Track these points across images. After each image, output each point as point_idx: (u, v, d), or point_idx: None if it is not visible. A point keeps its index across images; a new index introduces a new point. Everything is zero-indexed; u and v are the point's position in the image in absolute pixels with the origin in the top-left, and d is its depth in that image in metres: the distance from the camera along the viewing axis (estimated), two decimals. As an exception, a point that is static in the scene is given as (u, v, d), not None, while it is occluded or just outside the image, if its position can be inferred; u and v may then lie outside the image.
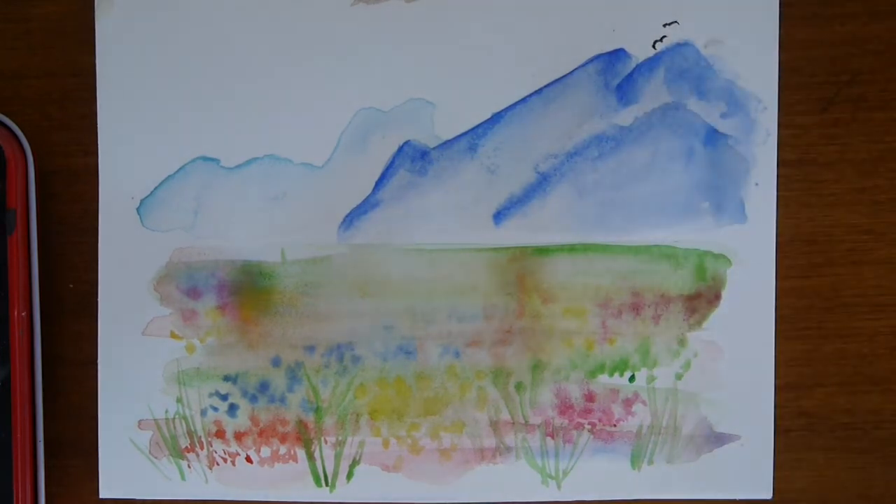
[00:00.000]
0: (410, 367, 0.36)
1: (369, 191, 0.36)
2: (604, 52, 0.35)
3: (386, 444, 0.36)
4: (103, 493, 0.37)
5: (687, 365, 0.36)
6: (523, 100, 0.36)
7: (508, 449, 0.36)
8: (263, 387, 0.36)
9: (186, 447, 0.37)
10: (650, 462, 0.36)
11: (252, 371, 0.36)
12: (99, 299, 0.36)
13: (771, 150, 0.35)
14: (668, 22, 0.35)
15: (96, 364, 0.36)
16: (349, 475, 0.37)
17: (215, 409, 0.37)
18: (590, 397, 0.36)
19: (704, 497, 0.36)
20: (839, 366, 0.36)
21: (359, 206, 0.36)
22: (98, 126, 0.36)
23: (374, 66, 0.36)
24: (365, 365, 0.36)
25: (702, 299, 0.36)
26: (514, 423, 0.36)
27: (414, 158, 0.36)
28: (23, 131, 0.35)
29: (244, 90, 0.36)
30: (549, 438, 0.36)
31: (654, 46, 0.35)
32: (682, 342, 0.36)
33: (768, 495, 0.36)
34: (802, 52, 0.35)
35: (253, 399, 0.37)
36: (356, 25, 0.36)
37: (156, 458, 0.37)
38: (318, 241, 0.36)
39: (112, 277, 0.36)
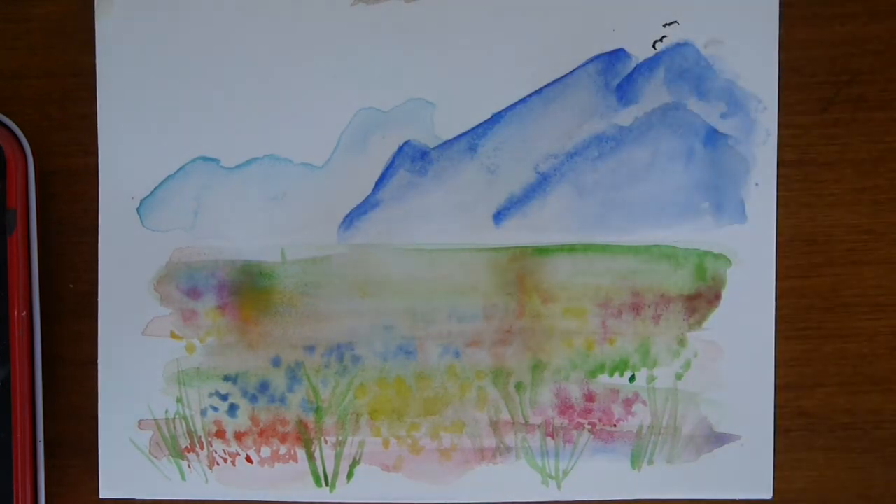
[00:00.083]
0: (410, 367, 0.36)
1: (369, 191, 0.36)
2: (604, 52, 0.35)
3: (386, 444, 0.36)
4: (103, 493, 0.37)
5: (687, 365, 0.36)
6: (523, 100, 0.36)
7: (508, 449, 0.36)
8: (263, 387, 0.36)
9: (186, 447, 0.37)
10: (650, 462, 0.36)
11: (252, 371, 0.36)
12: (99, 299, 0.36)
13: (771, 150, 0.35)
14: (668, 22, 0.35)
15: (96, 364, 0.36)
16: (349, 475, 0.37)
17: (215, 409, 0.37)
18: (590, 397, 0.36)
19: (704, 497, 0.36)
20: (839, 366, 0.36)
21: (359, 206, 0.36)
22: (98, 126, 0.36)
23: (374, 66, 0.36)
24: (365, 365, 0.36)
25: (702, 299, 0.36)
26: (514, 423, 0.36)
27: (414, 158, 0.36)
28: (23, 131, 0.35)
29: (244, 90, 0.36)
30: (549, 438, 0.36)
31: (654, 46, 0.35)
32: (682, 342, 0.36)
33: (768, 495, 0.36)
34: (802, 52, 0.35)
35: (253, 399, 0.37)
36: (356, 25, 0.36)
37: (156, 458, 0.37)
38: (318, 241, 0.36)
39: (112, 277, 0.36)
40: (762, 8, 0.35)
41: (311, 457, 0.37)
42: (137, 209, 0.36)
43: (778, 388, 0.36)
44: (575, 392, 0.36)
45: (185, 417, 0.37)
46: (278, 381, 0.36)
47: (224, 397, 0.37)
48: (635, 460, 0.36)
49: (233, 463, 0.37)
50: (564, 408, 0.36)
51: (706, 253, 0.36)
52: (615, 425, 0.36)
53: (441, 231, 0.36)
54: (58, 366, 0.37)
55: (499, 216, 0.36)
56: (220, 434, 0.37)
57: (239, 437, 0.37)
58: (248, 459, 0.37)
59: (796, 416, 0.36)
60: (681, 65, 0.35)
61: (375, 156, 0.36)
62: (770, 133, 0.35)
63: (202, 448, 0.37)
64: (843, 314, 0.36)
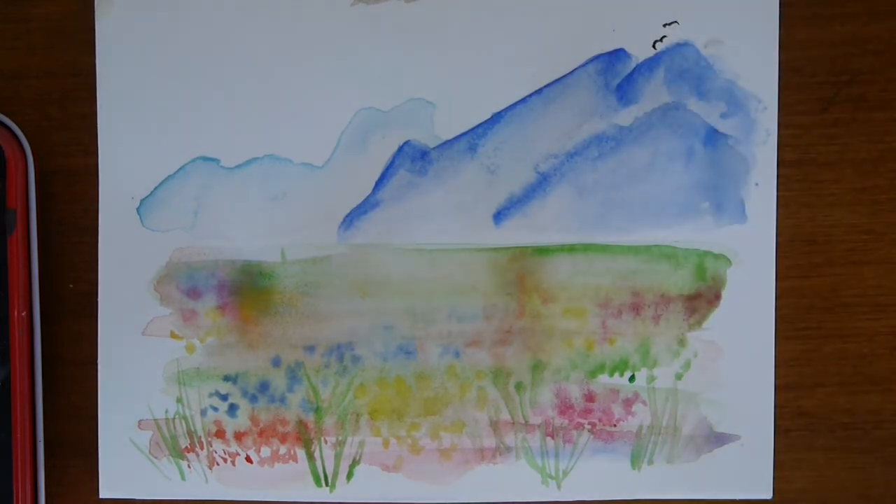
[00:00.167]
0: (410, 367, 0.36)
1: (369, 191, 0.36)
2: (604, 52, 0.35)
3: (386, 444, 0.36)
4: (103, 493, 0.37)
5: (687, 365, 0.36)
6: (523, 100, 0.36)
7: (508, 449, 0.36)
8: (263, 387, 0.36)
9: (186, 447, 0.37)
10: (650, 462, 0.36)
11: (252, 371, 0.36)
12: (99, 299, 0.36)
13: (771, 150, 0.35)
14: (668, 22, 0.35)
15: (96, 364, 0.36)
16: (349, 475, 0.37)
17: (215, 409, 0.37)
18: (590, 397, 0.36)
19: (704, 497, 0.36)
20: (839, 366, 0.36)
21: (359, 206, 0.36)
22: (98, 126, 0.36)
23: (374, 66, 0.36)
24: (365, 365, 0.36)
25: (702, 299, 0.36)
26: (514, 423, 0.36)
27: (414, 158, 0.36)
28: (23, 131, 0.35)
29: (244, 90, 0.36)
30: (549, 438, 0.36)
31: (654, 46, 0.35)
32: (682, 342, 0.36)
33: (768, 495, 0.36)
34: (802, 52, 0.35)
35: (253, 399, 0.37)
36: (356, 25, 0.36)
37: (156, 458, 0.37)
38: (318, 241, 0.36)
39: (112, 277, 0.36)
40: (762, 8, 0.35)
41: (311, 457, 0.37)
42: (137, 209, 0.36)
43: (778, 388, 0.36)
44: (575, 392, 0.36)
45: (185, 417, 0.37)
46: (278, 381, 0.36)
47: (224, 397, 0.37)
48: (635, 460, 0.36)
49: (233, 463, 0.37)
50: (564, 408, 0.36)
51: (706, 253, 0.36)
52: (615, 425, 0.36)
53: (441, 231, 0.36)
54: (58, 366, 0.37)
55: (499, 216, 0.36)
56: (220, 434, 0.37)
57: (239, 437, 0.37)
58: (248, 459, 0.37)
59: (796, 416, 0.36)
60: (681, 65, 0.35)
61: (375, 156, 0.36)
62: (770, 133, 0.35)
63: (202, 448, 0.37)
64: (843, 314, 0.36)
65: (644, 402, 0.36)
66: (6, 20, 0.36)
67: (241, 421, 0.37)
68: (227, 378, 0.37)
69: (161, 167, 0.36)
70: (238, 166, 0.36)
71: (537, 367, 0.36)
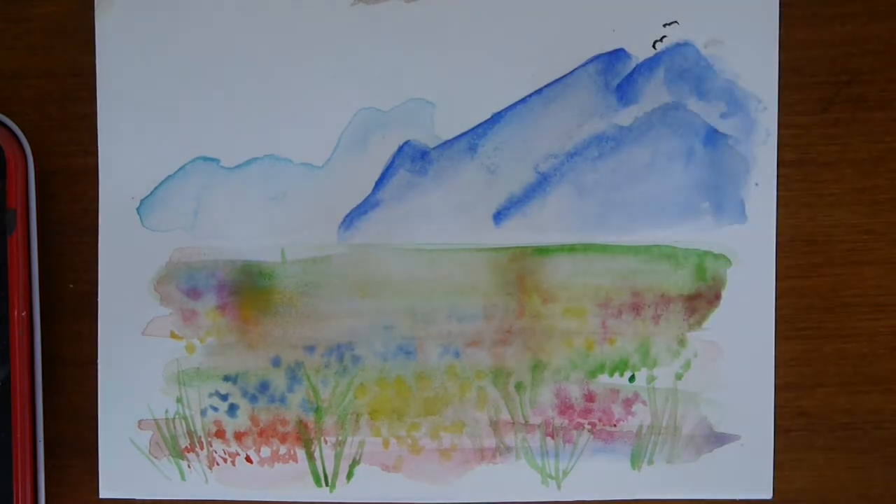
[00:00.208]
0: (410, 367, 0.36)
1: (369, 191, 0.36)
2: (604, 52, 0.35)
3: (386, 444, 0.36)
4: (103, 493, 0.37)
5: (687, 365, 0.36)
6: (523, 100, 0.36)
7: (508, 449, 0.36)
8: (263, 387, 0.36)
9: (186, 447, 0.37)
10: (650, 462, 0.36)
11: (252, 371, 0.36)
12: (99, 299, 0.36)
13: (771, 150, 0.35)
14: (668, 22, 0.35)
15: (96, 364, 0.36)
16: (349, 475, 0.37)
17: (215, 409, 0.37)
18: (590, 397, 0.36)
19: (704, 497, 0.36)
20: (839, 366, 0.36)
21: (359, 206, 0.36)
22: (98, 126, 0.36)
23: (374, 66, 0.36)
24: (365, 365, 0.36)
25: (702, 299, 0.36)
26: (514, 423, 0.36)
27: (414, 158, 0.36)
28: (23, 131, 0.35)
29: (244, 90, 0.36)
30: (549, 438, 0.36)
31: (654, 46, 0.35)
32: (682, 342, 0.36)
33: (768, 495, 0.36)
34: (802, 52, 0.35)
35: (253, 399, 0.37)
36: (356, 25, 0.36)
37: (156, 458, 0.37)
38: (318, 241, 0.36)
39: (112, 277, 0.36)
40: (762, 8, 0.35)
41: (311, 457, 0.37)
42: (137, 209, 0.36)
43: (778, 388, 0.36)
44: (575, 392, 0.36)
45: (185, 417, 0.37)
46: (278, 381, 0.36)
47: (224, 397, 0.37)
48: (635, 460, 0.36)
49: (233, 463, 0.37)
50: (564, 408, 0.36)
51: (706, 253, 0.36)
52: (615, 425, 0.36)
53: (441, 231, 0.36)
54: (58, 366, 0.37)
55: (499, 216, 0.36)
56: (220, 434, 0.37)
57: (239, 437, 0.37)
58: (248, 459, 0.37)
59: (796, 416, 0.36)
60: (681, 65, 0.35)
61: (375, 156, 0.36)
62: (770, 133, 0.35)
63: (202, 448, 0.37)
64: (843, 314, 0.36)
65: (644, 402, 0.36)
66: (6, 20, 0.36)
67: (241, 421, 0.37)
68: (227, 378, 0.37)
69: (161, 167, 0.36)
70: (238, 166, 0.36)
71: (537, 367, 0.36)
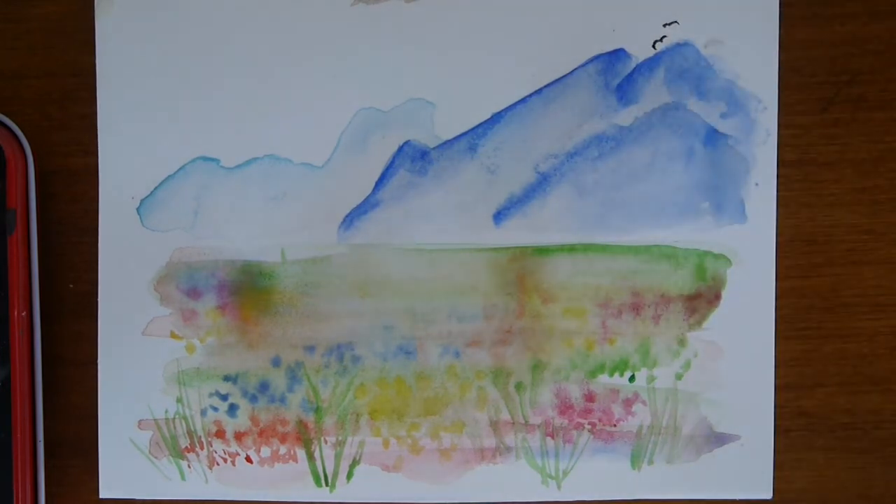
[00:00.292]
0: (410, 367, 0.36)
1: (369, 191, 0.36)
2: (604, 52, 0.35)
3: (386, 444, 0.36)
4: (103, 493, 0.37)
5: (687, 365, 0.36)
6: (523, 100, 0.36)
7: (508, 449, 0.36)
8: (263, 387, 0.36)
9: (186, 447, 0.37)
10: (650, 462, 0.36)
11: (252, 371, 0.36)
12: (99, 299, 0.36)
13: (771, 150, 0.35)
14: (668, 22, 0.35)
15: (96, 364, 0.36)
16: (349, 475, 0.37)
17: (215, 409, 0.37)
18: (590, 397, 0.36)
19: (704, 497, 0.36)
20: (839, 366, 0.36)
21: (359, 206, 0.36)
22: (98, 126, 0.36)
23: (374, 66, 0.36)
24: (365, 365, 0.36)
25: (702, 299, 0.36)
26: (514, 423, 0.36)
27: (414, 158, 0.36)
28: (23, 131, 0.35)
29: (244, 90, 0.36)
30: (549, 438, 0.36)
31: (654, 46, 0.35)
32: (682, 342, 0.36)
33: (768, 495, 0.36)
34: (802, 52, 0.35)
35: (253, 399, 0.37)
36: (356, 25, 0.36)
37: (156, 458, 0.37)
38: (318, 241, 0.36)
39: (112, 277, 0.36)
40: (762, 8, 0.35)
41: (311, 457, 0.37)
42: (137, 209, 0.36)
43: (778, 388, 0.36)
44: (575, 392, 0.36)
45: (185, 417, 0.37)
46: (278, 381, 0.36)
47: (224, 397, 0.37)
48: (635, 460, 0.36)
49: (233, 463, 0.37)
50: (564, 408, 0.36)
51: (706, 253, 0.36)
52: (615, 425, 0.36)
53: (441, 231, 0.36)
54: (58, 366, 0.37)
55: (499, 216, 0.36)
56: (220, 434, 0.37)
57: (239, 437, 0.37)
58: (248, 459, 0.37)
59: (796, 416, 0.36)
60: (681, 65, 0.35)
61: (375, 156, 0.36)
62: (770, 133, 0.35)
63: (202, 448, 0.37)
64: (843, 314, 0.36)
65: (644, 402, 0.36)
66: (6, 20, 0.36)
67: (241, 421, 0.37)
68: (227, 378, 0.37)
69: (161, 167, 0.36)
70: (238, 166, 0.36)
71: (537, 367, 0.36)
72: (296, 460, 0.37)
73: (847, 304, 0.36)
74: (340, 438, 0.37)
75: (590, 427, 0.36)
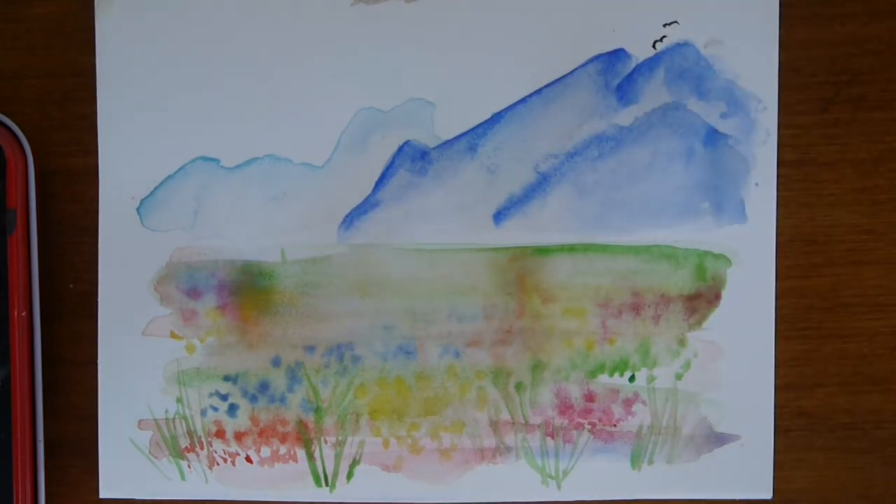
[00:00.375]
0: (410, 367, 0.36)
1: (369, 191, 0.36)
2: (604, 52, 0.35)
3: (386, 444, 0.36)
4: (103, 493, 0.37)
5: (687, 365, 0.36)
6: (523, 100, 0.36)
7: (508, 449, 0.36)
8: (263, 387, 0.36)
9: (186, 447, 0.37)
10: (650, 462, 0.36)
11: (252, 371, 0.36)
12: (99, 299, 0.36)
13: (771, 150, 0.35)
14: (668, 22, 0.35)
15: (96, 364, 0.36)
16: (349, 475, 0.37)
17: (215, 409, 0.37)
18: (590, 397, 0.36)
19: (704, 497, 0.36)
20: (839, 366, 0.36)
21: (359, 206, 0.36)
22: (98, 126, 0.36)
23: (374, 66, 0.36)
24: (365, 365, 0.36)
25: (702, 299, 0.36)
26: (514, 423, 0.36)
27: (414, 158, 0.36)
28: (23, 131, 0.35)
29: (244, 90, 0.36)
30: (549, 438, 0.36)
31: (654, 46, 0.35)
32: (682, 342, 0.36)
33: (768, 495, 0.36)
34: (802, 52, 0.35)
35: (253, 399, 0.37)
36: (356, 25, 0.36)
37: (156, 458, 0.37)
38: (318, 241, 0.36)
39: (112, 277, 0.36)
40: (762, 8, 0.35)
41: (311, 457, 0.37)
42: (137, 209, 0.36)
43: (778, 388, 0.36)
44: (575, 392, 0.36)
45: (185, 417, 0.37)
46: (278, 381, 0.36)
47: (224, 397, 0.37)
48: (635, 460, 0.36)
49: (233, 463, 0.37)
50: (564, 408, 0.36)
51: (706, 253, 0.36)
52: (615, 425, 0.36)
53: (441, 231, 0.36)
54: (58, 366, 0.37)
55: (499, 216, 0.36)
56: (220, 434, 0.37)
57: (239, 437, 0.37)
58: (248, 459, 0.37)
59: (796, 416, 0.36)
60: (681, 65, 0.35)
61: (375, 156, 0.36)
62: (770, 133, 0.35)
63: (202, 448, 0.37)
64: (843, 314, 0.36)
65: (644, 402, 0.36)
66: (6, 20, 0.36)
67: (241, 421, 0.37)
68: (227, 378, 0.37)
69: (161, 167, 0.36)
70: (238, 166, 0.36)
71: (537, 367, 0.36)
72: (296, 460, 0.37)
73: (847, 304, 0.36)
74: (340, 438, 0.37)
75: (590, 427, 0.36)
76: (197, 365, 0.36)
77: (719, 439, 0.36)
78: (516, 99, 0.35)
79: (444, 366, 0.36)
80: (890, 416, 0.36)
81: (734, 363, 0.36)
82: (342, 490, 0.37)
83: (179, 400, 0.37)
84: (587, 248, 0.36)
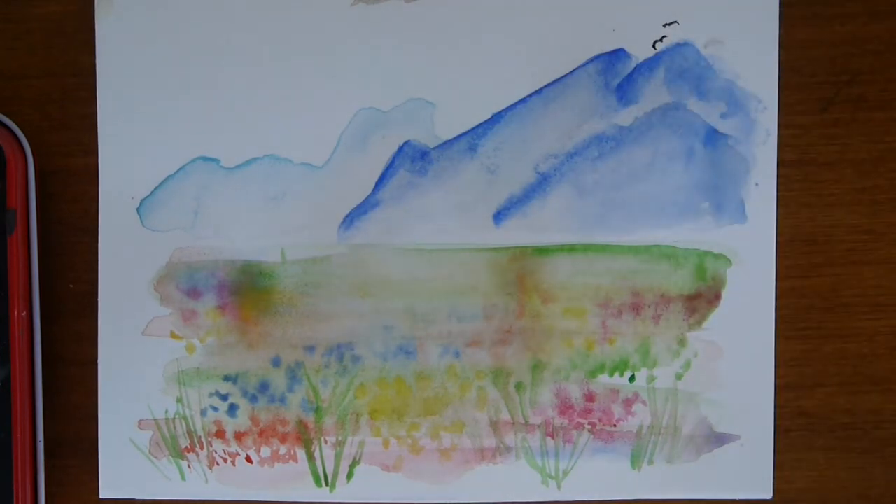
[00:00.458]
0: (410, 367, 0.36)
1: (369, 191, 0.36)
2: (604, 52, 0.35)
3: (386, 444, 0.36)
4: (103, 493, 0.37)
5: (687, 365, 0.36)
6: (523, 100, 0.36)
7: (508, 449, 0.36)
8: (263, 387, 0.36)
9: (186, 447, 0.37)
10: (650, 462, 0.36)
11: (252, 371, 0.36)
12: (99, 299, 0.36)
13: (771, 150, 0.35)
14: (668, 22, 0.35)
15: (96, 364, 0.36)
16: (349, 475, 0.37)
17: (215, 409, 0.37)
18: (590, 397, 0.36)
19: (704, 497, 0.36)
20: (839, 366, 0.36)
21: (359, 206, 0.36)
22: (98, 126, 0.36)
23: (374, 66, 0.36)
24: (365, 365, 0.36)
25: (702, 299, 0.36)
26: (514, 423, 0.36)
27: (414, 158, 0.36)
28: (23, 131, 0.35)
29: (244, 90, 0.36)
30: (549, 438, 0.36)
31: (654, 46, 0.35)
32: (682, 342, 0.36)
33: (768, 495, 0.36)
34: (802, 52, 0.35)
35: (253, 399, 0.37)
36: (356, 25, 0.36)
37: (156, 458, 0.37)
38: (318, 241, 0.36)
39: (112, 277, 0.36)
40: (762, 8, 0.35)
41: (311, 457, 0.37)
42: (137, 209, 0.36)
43: (778, 388, 0.36)
44: (575, 392, 0.36)
45: (185, 417, 0.37)
46: (278, 381, 0.36)
47: (224, 397, 0.37)
48: (635, 460, 0.36)
49: (233, 463, 0.37)
50: (564, 408, 0.36)
51: (706, 253, 0.36)
52: (615, 425, 0.36)
53: (441, 231, 0.36)
54: (58, 366, 0.37)
55: (499, 216, 0.36)
56: (220, 434, 0.37)
57: (239, 437, 0.37)
58: (248, 459, 0.37)
59: (796, 416, 0.36)
60: (681, 65, 0.35)
61: (375, 156, 0.36)
62: (770, 133, 0.35)
63: (202, 448, 0.37)
64: (843, 314, 0.36)
65: (644, 402, 0.36)
66: (6, 20, 0.36)
67: (241, 421, 0.37)
68: (227, 378, 0.37)
69: (161, 167, 0.36)
70: (238, 166, 0.36)
71: (537, 367, 0.36)
72: (296, 460, 0.37)
73: (847, 304, 0.36)
74: (340, 438, 0.37)
75: (590, 427, 0.36)
76: (197, 365, 0.36)
77: (719, 439, 0.36)
78: (516, 99, 0.35)
79: (444, 366, 0.36)
80: (890, 416, 0.36)
81: (734, 363, 0.36)
82: (342, 490, 0.37)
83: (179, 400, 0.37)
84: (587, 248, 0.36)
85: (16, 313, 0.34)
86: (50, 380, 0.36)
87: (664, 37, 0.35)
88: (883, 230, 0.36)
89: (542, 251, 0.36)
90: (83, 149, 0.36)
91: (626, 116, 0.36)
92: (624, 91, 0.36)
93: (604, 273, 0.36)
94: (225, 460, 0.37)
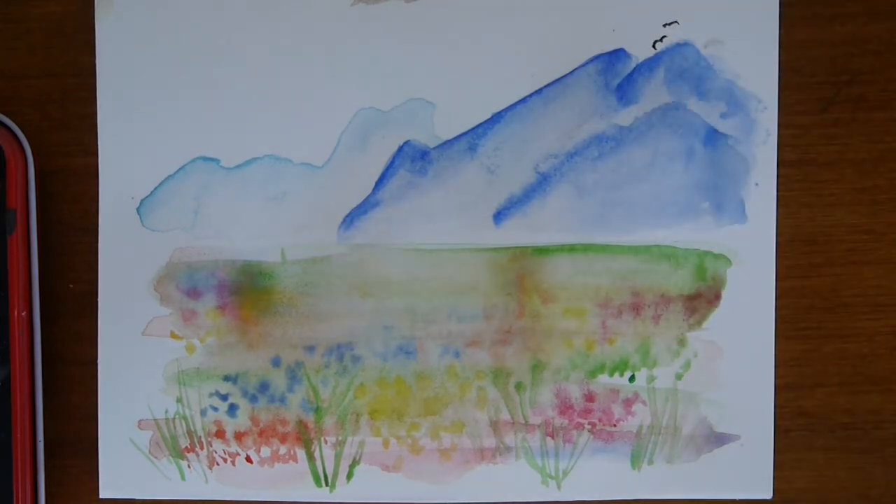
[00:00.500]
0: (410, 367, 0.36)
1: (369, 191, 0.36)
2: (604, 52, 0.35)
3: (386, 444, 0.36)
4: (103, 493, 0.37)
5: (687, 365, 0.36)
6: (523, 100, 0.36)
7: (508, 449, 0.36)
8: (263, 387, 0.36)
9: (186, 447, 0.37)
10: (650, 462, 0.36)
11: (252, 371, 0.36)
12: (99, 299, 0.36)
13: (771, 150, 0.35)
14: (668, 22, 0.35)
15: (96, 364, 0.36)
16: (349, 475, 0.37)
17: (215, 409, 0.37)
18: (590, 397, 0.36)
19: (704, 497, 0.36)
20: (839, 366, 0.36)
21: (359, 206, 0.36)
22: (98, 126, 0.36)
23: (374, 66, 0.36)
24: (365, 365, 0.36)
25: (702, 299, 0.36)
26: (514, 423, 0.36)
27: (414, 158, 0.36)
28: (23, 131, 0.35)
29: (244, 90, 0.36)
30: (549, 438, 0.36)
31: (654, 46, 0.35)
32: (682, 342, 0.36)
33: (768, 495, 0.36)
34: (802, 52, 0.35)
35: (253, 399, 0.37)
36: (356, 25, 0.36)
37: (156, 458, 0.37)
38: (318, 241, 0.36)
39: (112, 277, 0.36)
40: (762, 8, 0.35)
41: (311, 457, 0.37)
42: (137, 209, 0.36)
43: (778, 388, 0.36)
44: (575, 392, 0.36)
45: (185, 417, 0.37)
46: (278, 381, 0.36)
47: (224, 397, 0.37)
48: (635, 460, 0.36)
49: (233, 463, 0.37)
50: (564, 408, 0.36)
51: (706, 253, 0.36)
52: (615, 425, 0.36)
53: (441, 231, 0.36)
54: (58, 366, 0.37)
55: (499, 216, 0.36)
56: (220, 434, 0.37)
57: (239, 437, 0.37)
58: (248, 459, 0.37)
59: (796, 416, 0.36)
60: (681, 65, 0.35)
61: (375, 156, 0.36)
62: (770, 133, 0.35)
63: (202, 448, 0.37)
64: (843, 314, 0.36)
65: (644, 402, 0.36)
66: (6, 20, 0.36)
67: (241, 421, 0.37)
68: (227, 378, 0.37)
69: (161, 167, 0.36)
70: (238, 166, 0.36)
71: (537, 367, 0.36)
72: (296, 460, 0.37)
73: (847, 304, 0.36)
74: (340, 438, 0.37)
75: (590, 427, 0.36)
76: (197, 365, 0.36)
77: (719, 439, 0.36)
78: (516, 99, 0.36)
79: (444, 366, 0.36)
80: (890, 416, 0.36)
81: (734, 363, 0.36)
82: (342, 490, 0.37)
83: (179, 400, 0.37)
84: (587, 248, 0.36)
85: (16, 313, 0.34)
86: (50, 380, 0.36)
87: (664, 37, 0.35)
88: (883, 230, 0.36)
89: (542, 251, 0.36)
90: (83, 149, 0.36)
91: (626, 116, 0.36)
92: (624, 91, 0.36)
93: (604, 273, 0.36)
94: (225, 460, 0.37)
